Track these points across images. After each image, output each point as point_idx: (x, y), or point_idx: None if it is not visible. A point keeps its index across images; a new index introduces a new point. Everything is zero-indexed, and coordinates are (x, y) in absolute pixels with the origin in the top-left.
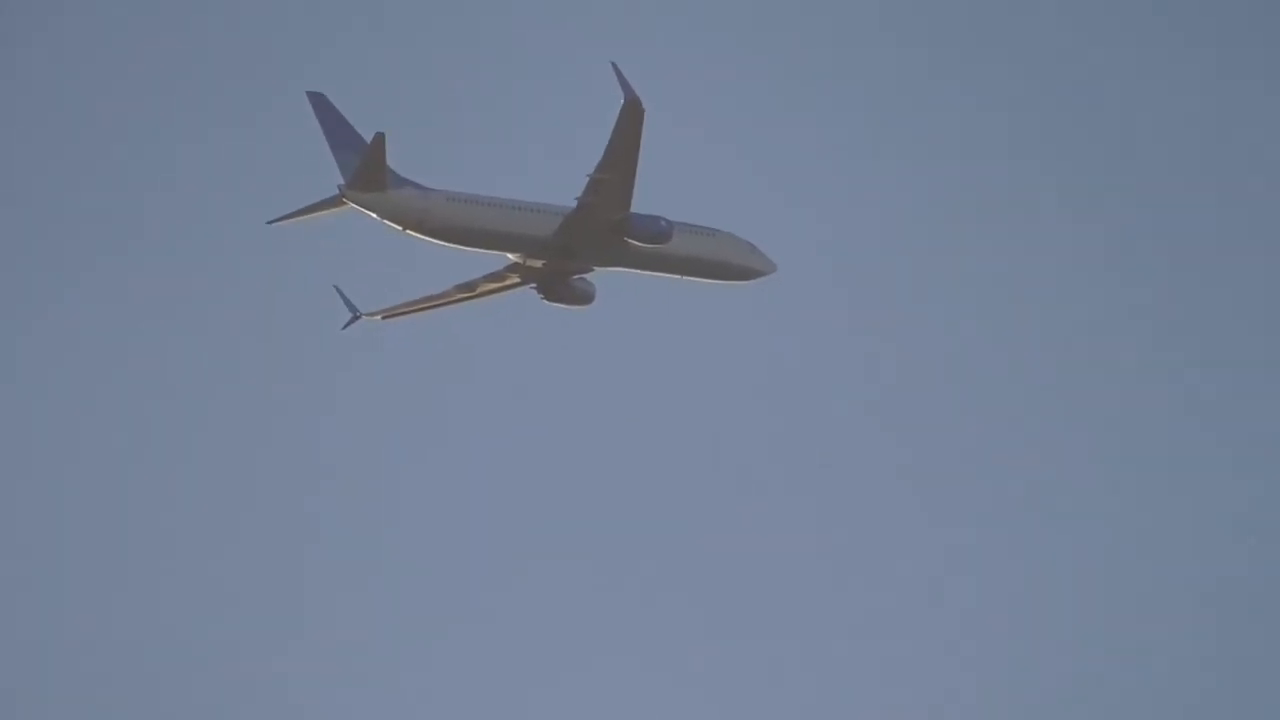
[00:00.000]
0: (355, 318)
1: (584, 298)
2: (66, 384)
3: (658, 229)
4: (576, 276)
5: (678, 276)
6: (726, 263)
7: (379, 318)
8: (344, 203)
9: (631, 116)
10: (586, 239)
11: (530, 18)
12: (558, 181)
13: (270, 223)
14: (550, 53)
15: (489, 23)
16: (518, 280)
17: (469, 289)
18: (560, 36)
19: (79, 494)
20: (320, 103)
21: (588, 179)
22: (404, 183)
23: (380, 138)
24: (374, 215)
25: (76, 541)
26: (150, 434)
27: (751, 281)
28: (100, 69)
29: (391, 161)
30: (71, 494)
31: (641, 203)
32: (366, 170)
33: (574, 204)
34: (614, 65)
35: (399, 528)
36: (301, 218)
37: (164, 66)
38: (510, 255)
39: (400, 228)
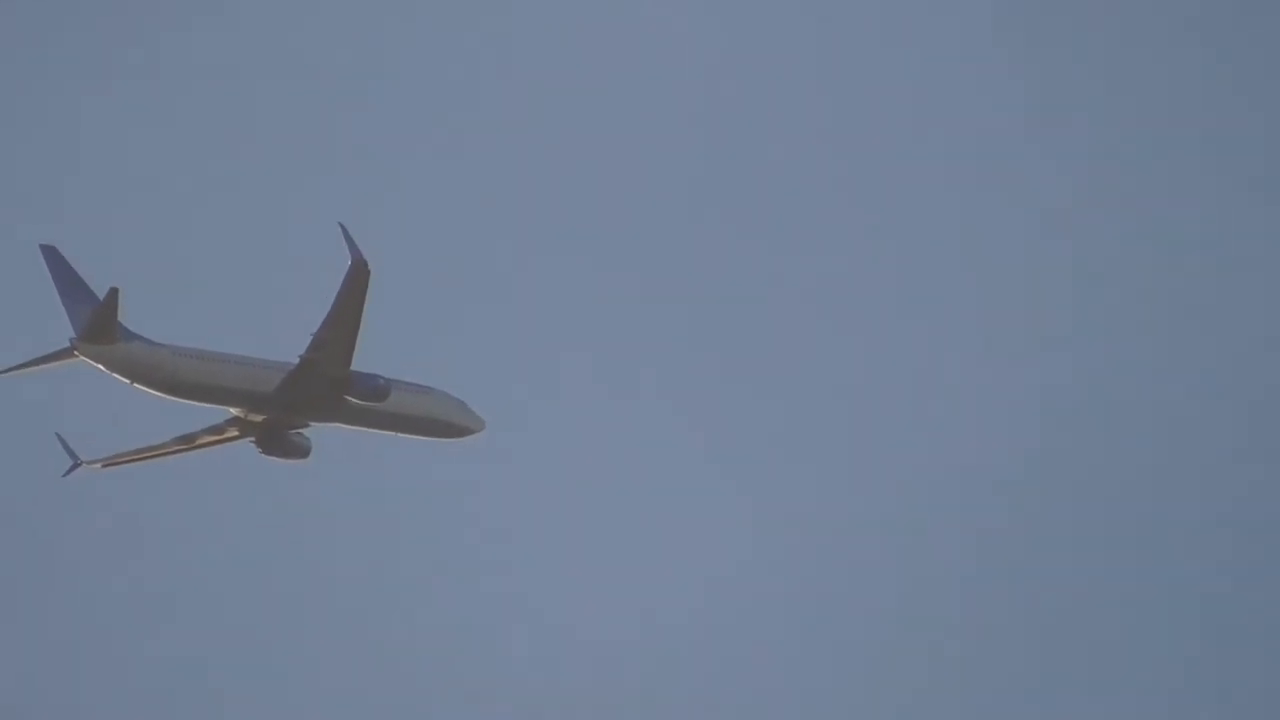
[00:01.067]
0: (76, 465)
1: (301, 451)
2: None
3: (376, 387)
4: (294, 431)
5: (392, 433)
6: (439, 420)
7: (99, 466)
8: (75, 354)
9: (357, 277)
10: (307, 395)
11: (258, 177)
12: (285, 338)
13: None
14: (279, 210)
15: (218, 179)
16: (237, 434)
17: (188, 441)
18: (289, 193)
19: None
20: (52, 256)
21: (311, 336)
22: (133, 337)
23: (114, 293)
24: (103, 367)
25: None
26: None
27: (462, 438)
28: None
29: (121, 316)
30: None
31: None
32: (98, 324)
33: (296, 361)
34: (341, 226)
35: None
36: (32, 369)
37: None
38: (232, 409)
39: (128, 380)
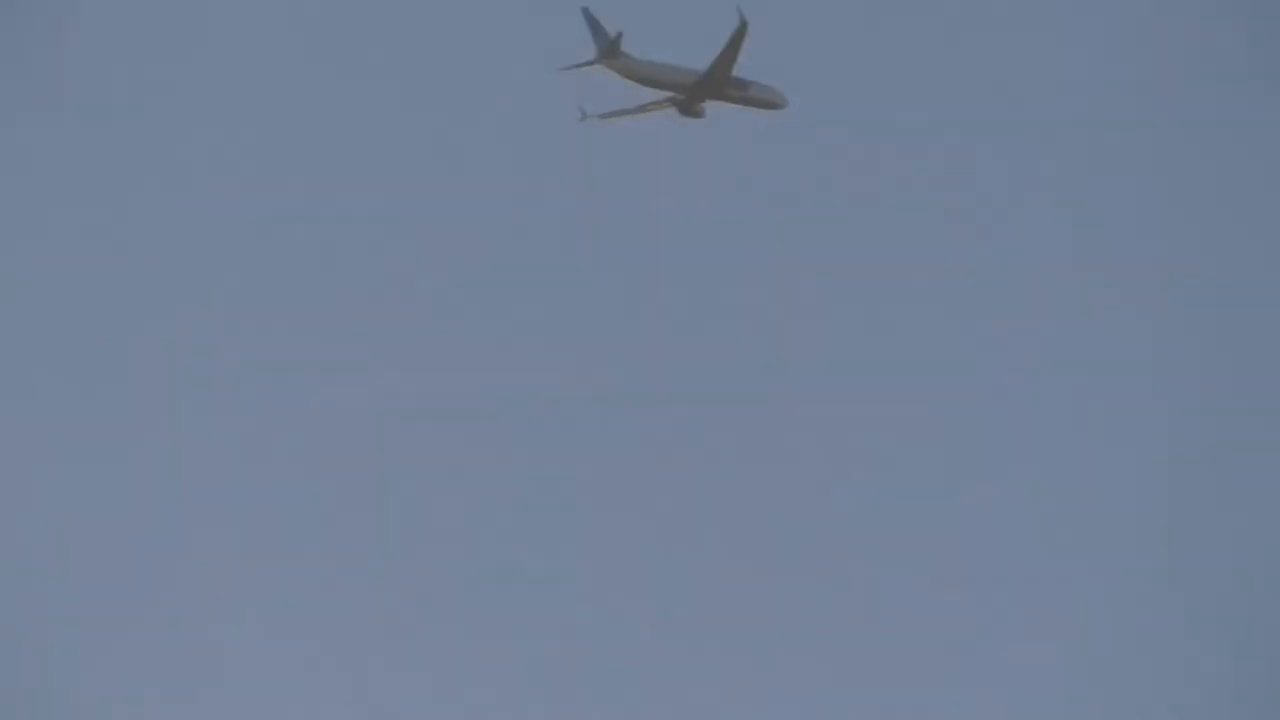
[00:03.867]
0: (585, 117)
1: (700, 114)
2: None
3: (744, 82)
4: (697, 105)
5: (745, 106)
6: (771, 100)
7: (598, 118)
8: (598, 65)
9: (741, 32)
10: (707, 90)
11: None
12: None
13: (567, 68)
14: None
15: None
16: (670, 103)
17: (647, 108)
18: None
19: None
20: (588, 14)
21: (719, 57)
22: (625, 55)
23: (619, 35)
24: (612, 71)
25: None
26: None
27: (781, 109)
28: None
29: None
30: None
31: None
32: (610, 48)
33: (704, 70)
34: (741, 12)
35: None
36: (577, 69)
37: None
38: (669, 93)
39: (622, 77)
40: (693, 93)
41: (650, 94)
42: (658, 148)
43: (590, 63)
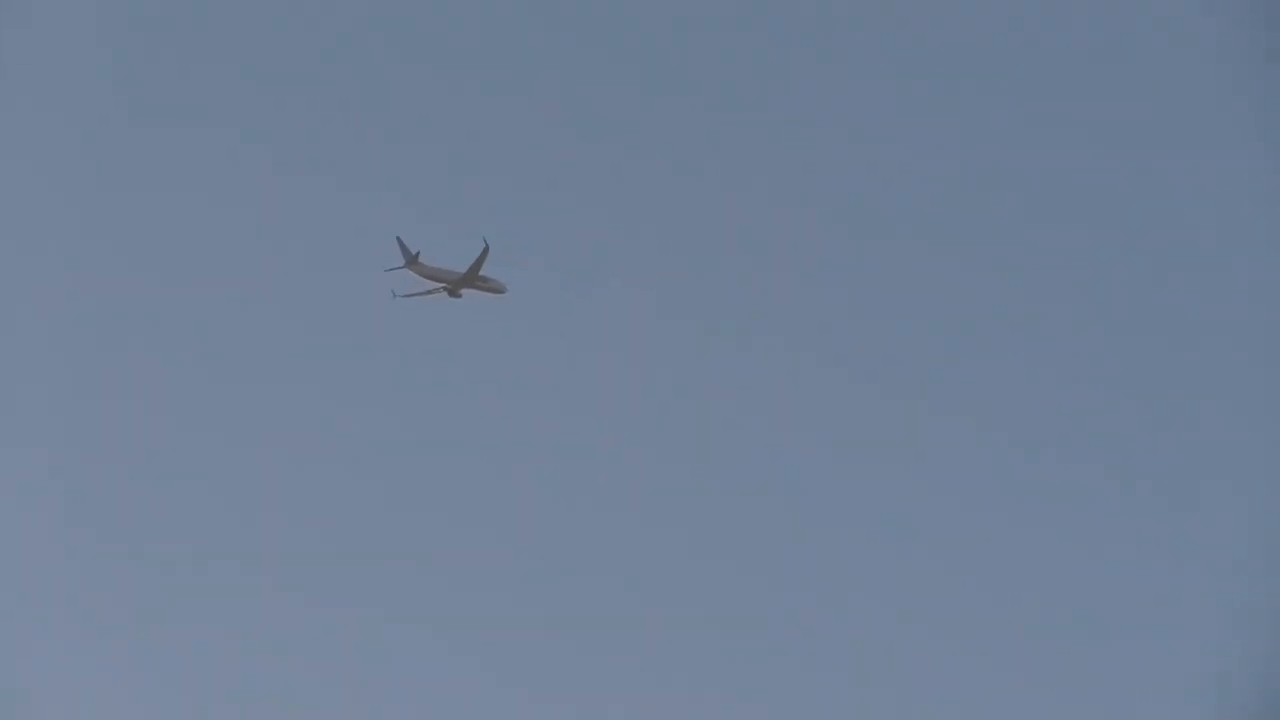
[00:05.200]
0: (395, 297)
1: (458, 294)
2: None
3: (489, 279)
4: (459, 292)
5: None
6: (499, 288)
7: (402, 296)
8: (406, 268)
9: (485, 252)
10: (466, 283)
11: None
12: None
13: (387, 270)
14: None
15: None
16: (445, 290)
17: (433, 291)
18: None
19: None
20: (400, 241)
21: (471, 266)
22: (420, 262)
23: (417, 254)
24: (412, 272)
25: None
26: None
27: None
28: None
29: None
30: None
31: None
32: (412, 259)
33: (463, 272)
34: (485, 240)
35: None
36: (390, 272)
37: None
38: (442, 284)
39: (419, 275)
40: (457, 284)
41: (432, 284)
42: (439, 312)
43: (400, 267)
